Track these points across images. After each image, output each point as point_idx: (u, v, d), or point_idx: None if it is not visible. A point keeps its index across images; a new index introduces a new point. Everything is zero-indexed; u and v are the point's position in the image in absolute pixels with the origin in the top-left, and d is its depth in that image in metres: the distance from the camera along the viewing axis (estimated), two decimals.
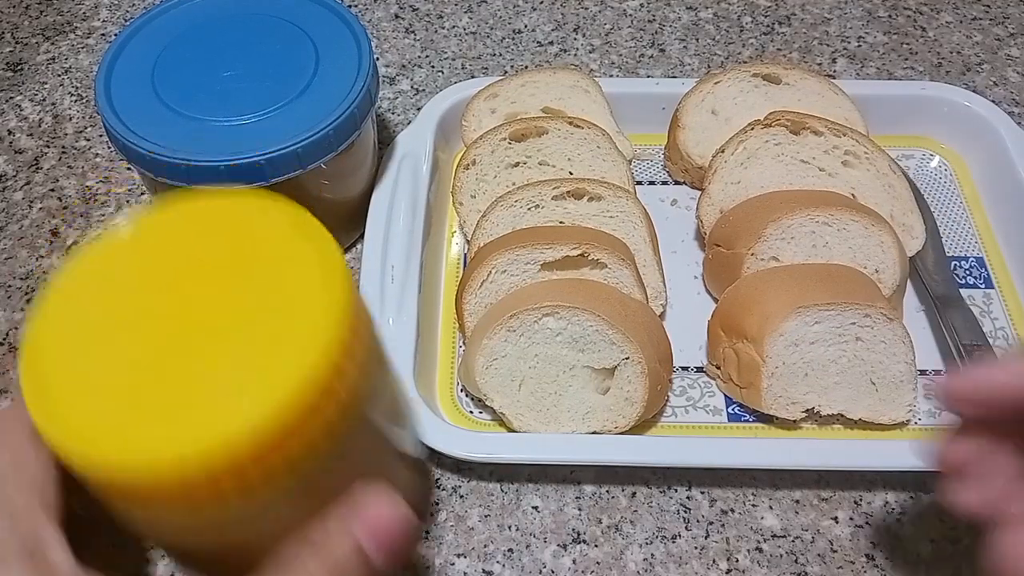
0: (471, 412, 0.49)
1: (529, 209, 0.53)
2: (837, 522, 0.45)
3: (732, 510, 0.46)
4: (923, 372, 0.50)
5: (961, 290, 0.53)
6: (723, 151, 0.55)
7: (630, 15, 0.73)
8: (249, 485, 0.25)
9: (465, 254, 0.56)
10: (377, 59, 0.67)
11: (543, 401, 0.47)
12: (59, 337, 0.27)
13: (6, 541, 0.25)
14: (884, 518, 0.45)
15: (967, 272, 0.55)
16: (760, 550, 0.44)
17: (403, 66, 0.69)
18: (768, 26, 0.72)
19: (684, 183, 0.60)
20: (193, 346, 0.27)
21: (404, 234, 0.53)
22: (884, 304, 0.47)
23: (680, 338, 0.51)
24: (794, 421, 0.47)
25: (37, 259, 0.56)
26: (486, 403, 0.47)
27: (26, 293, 0.55)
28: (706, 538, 0.45)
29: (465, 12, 0.73)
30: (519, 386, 0.47)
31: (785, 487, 0.46)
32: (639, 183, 0.59)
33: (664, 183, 0.60)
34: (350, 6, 0.73)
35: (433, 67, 0.69)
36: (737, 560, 0.44)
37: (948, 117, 0.60)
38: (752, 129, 0.55)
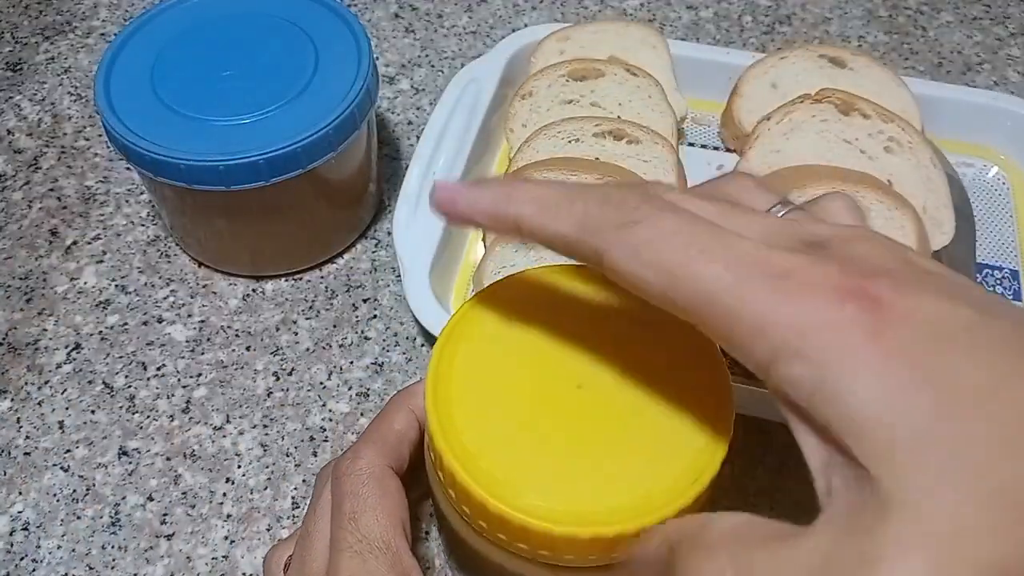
0: None
1: (569, 142, 0.55)
2: None
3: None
4: None
5: None
6: (768, 119, 0.56)
7: (630, 14, 0.73)
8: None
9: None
10: (377, 58, 0.67)
11: None
12: (468, 381, 0.30)
13: None
14: None
15: (997, 282, 0.55)
16: None
17: (403, 65, 0.69)
18: (768, 25, 0.72)
19: (733, 151, 0.61)
20: (600, 417, 0.29)
21: (452, 148, 0.56)
22: None
23: None
24: None
25: (36, 259, 0.56)
26: None
27: (25, 293, 0.55)
28: None
29: (465, 11, 0.73)
30: None
31: (785, 487, 0.46)
32: (691, 144, 0.61)
33: (715, 148, 0.62)
34: (350, 5, 0.73)
35: (433, 67, 0.69)
36: None
37: (1012, 129, 0.60)
38: (801, 102, 0.56)
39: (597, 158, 0.54)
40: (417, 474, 0.36)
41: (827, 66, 0.59)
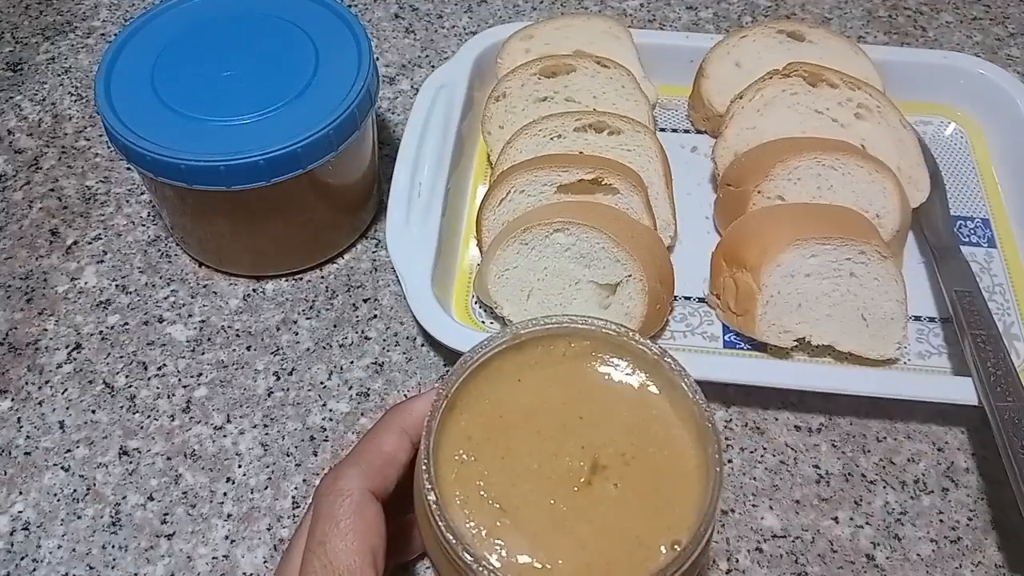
0: (483, 322, 0.52)
1: (551, 139, 0.56)
2: (837, 522, 0.45)
3: (732, 510, 0.46)
4: (918, 318, 0.53)
5: (964, 248, 0.55)
6: (741, 97, 0.57)
7: (630, 15, 0.73)
8: None
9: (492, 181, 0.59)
10: (377, 59, 0.67)
11: (549, 312, 0.50)
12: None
13: None
14: (884, 518, 0.45)
15: (971, 231, 0.57)
16: (760, 550, 0.44)
17: (403, 66, 0.69)
18: None
19: (705, 132, 0.63)
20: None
21: (434, 156, 0.56)
22: (880, 243, 0.49)
23: (686, 271, 0.55)
24: (786, 350, 0.50)
25: (37, 259, 0.56)
26: (496, 312, 0.51)
27: (26, 293, 0.55)
28: None
29: (465, 12, 0.73)
30: (527, 296, 0.50)
31: (785, 487, 0.46)
32: (663, 130, 0.62)
33: (686, 131, 0.64)
34: (350, 6, 0.73)
35: (433, 67, 0.69)
36: (737, 560, 0.44)
37: (965, 86, 0.62)
38: (771, 78, 0.57)
39: (581, 152, 0.55)
40: (406, 497, 0.35)
41: (787, 41, 0.61)
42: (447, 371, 0.47)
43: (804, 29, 0.61)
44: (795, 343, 0.49)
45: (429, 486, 0.30)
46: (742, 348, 0.51)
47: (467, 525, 0.31)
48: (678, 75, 0.63)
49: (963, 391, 0.46)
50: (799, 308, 0.49)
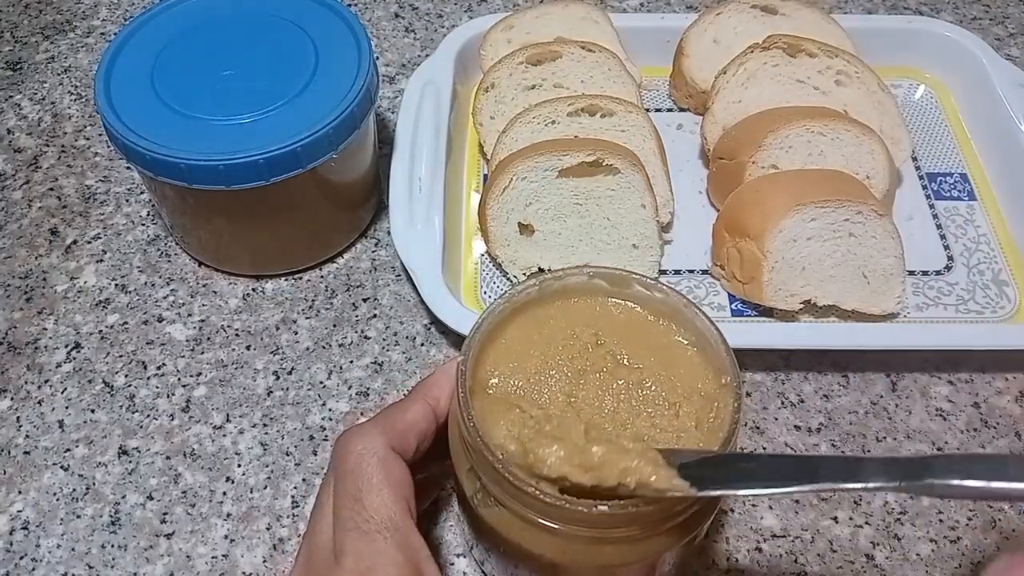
0: None
1: (546, 125, 0.56)
2: (837, 522, 0.45)
3: (732, 510, 0.46)
4: (911, 272, 0.55)
5: (946, 202, 0.59)
6: (725, 72, 0.59)
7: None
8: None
9: (485, 173, 0.59)
10: (377, 58, 0.67)
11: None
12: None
13: (402, 565, 0.32)
14: (884, 518, 0.45)
15: (952, 187, 0.60)
16: (760, 550, 0.44)
17: (403, 65, 0.69)
18: None
19: (688, 109, 0.64)
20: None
21: (429, 152, 0.56)
22: (875, 202, 0.51)
23: (686, 245, 0.57)
24: (793, 313, 0.51)
25: (36, 258, 0.56)
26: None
27: (25, 292, 0.55)
28: (705, 538, 0.44)
29: (465, 11, 0.73)
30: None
31: None
32: (646, 110, 0.63)
33: (670, 110, 0.65)
34: (350, 5, 0.73)
35: None
36: (737, 560, 0.44)
37: (933, 49, 0.65)
38: (752, 52, 0.59)
39: (576, 136, 0.55)
40: (424, 462, 0.36)
41: (760, 15, 0.62)
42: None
43: (776, 2, 0.62)
44: (801, 305, 0.51)
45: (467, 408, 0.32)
46: (750, 315, 0.53)
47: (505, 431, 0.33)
48: (655, 56, 0.65)
49: (966, 337, 0.49)
50: (803, 271, 0.50)
